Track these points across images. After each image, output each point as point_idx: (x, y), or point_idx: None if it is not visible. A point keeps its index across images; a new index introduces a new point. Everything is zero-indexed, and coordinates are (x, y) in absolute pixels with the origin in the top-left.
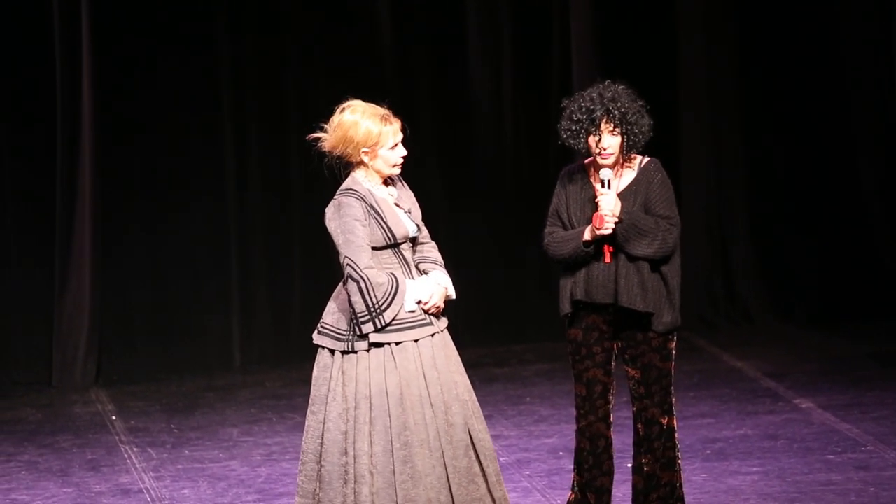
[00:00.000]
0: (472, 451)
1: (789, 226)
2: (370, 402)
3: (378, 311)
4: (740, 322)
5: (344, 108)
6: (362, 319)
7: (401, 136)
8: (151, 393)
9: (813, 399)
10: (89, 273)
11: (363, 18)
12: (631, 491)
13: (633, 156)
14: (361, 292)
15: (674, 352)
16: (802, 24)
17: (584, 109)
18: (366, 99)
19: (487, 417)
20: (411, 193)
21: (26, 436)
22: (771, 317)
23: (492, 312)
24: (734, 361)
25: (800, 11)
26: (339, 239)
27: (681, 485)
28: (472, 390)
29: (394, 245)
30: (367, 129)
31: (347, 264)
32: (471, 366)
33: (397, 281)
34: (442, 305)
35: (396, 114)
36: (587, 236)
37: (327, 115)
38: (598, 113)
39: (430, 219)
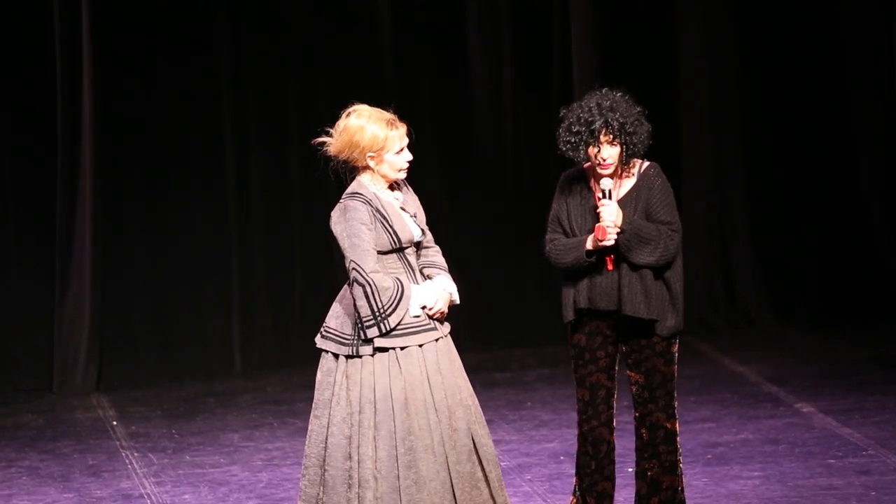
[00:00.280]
0: (475, 457)
1: (790, 228)
2: (374, 406)
3: (383, 315)
4: (741, 325)
5: (350, 113)
6: (367, 324)
7: (406, 140)
8: (152, 398)
9: (814, 403)
10: (90, 277)
11: (363, 19)
12: (634, 496)
13: (632, 161)
14: (367, 296)
15: (676, 355)
16: (803, 25)
17: (582, 121)
18: (366, 100)
19: (488, 422)
20: (416, 198)
21: (27, 441)
22: (771, 319)
23: (493, 317)
24: (735, 366)
25: (800, 11)
26: (344, 243)
27: (682, 489)
28: (474, 395)
29: (399, 249)
30: (373, 134)
31: (353, 268)
32: (472, 370)
33: (402, 286)
34: (446, 311)
35: (401, 118)
36: (589, 246)
37: (328, 116)
38: (597, 125)
39: (431, 221)
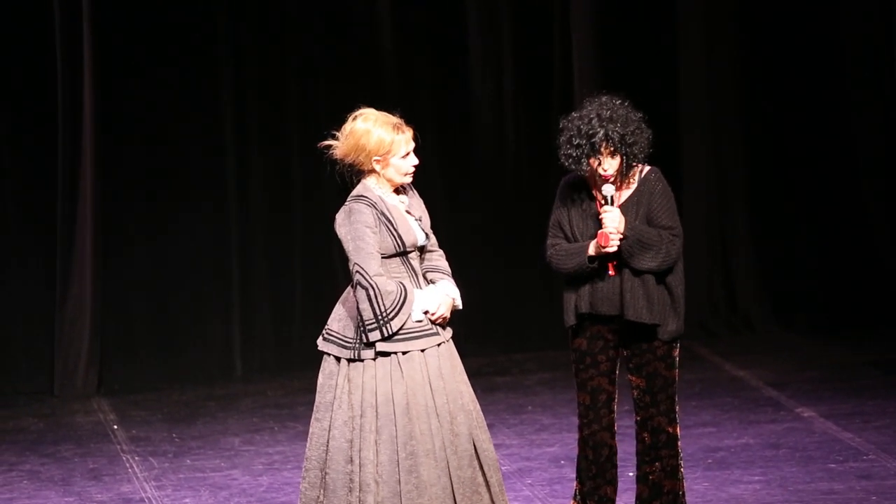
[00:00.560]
0: (476, 462)
1: (790, 233)
2: (376, 410)
3: (386, 319)
4: (741, 330)
5: (356, 116)
6: (370, 327)
7: (413, 144)
8: (153, 402)
9: (815, 408)
10: (90, 281)
11: (364, 22)
12: (634, 500)
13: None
14: (370, 300)
15: (678, 359)
16: (803, 26)
17: (583, 133)
18: (367, 103)
19: (489, 426)
20: (421, 201)
21: (28, 445)
22: (772, 324)
23: (494, 321)
24: (736, 370)
25: (801, 13)
26: (348, 245)
27: (683, 493)
28: (476, 400)
29: (402, 253)
30: (379, 138)
31: (357, 271)
32: (472, 375)
33: (406, 290)
34: (448, 316)
35: (406, 121)
36: (592, 252)
37: (329, 120)
38: (598, 138)
39: (431, 224)
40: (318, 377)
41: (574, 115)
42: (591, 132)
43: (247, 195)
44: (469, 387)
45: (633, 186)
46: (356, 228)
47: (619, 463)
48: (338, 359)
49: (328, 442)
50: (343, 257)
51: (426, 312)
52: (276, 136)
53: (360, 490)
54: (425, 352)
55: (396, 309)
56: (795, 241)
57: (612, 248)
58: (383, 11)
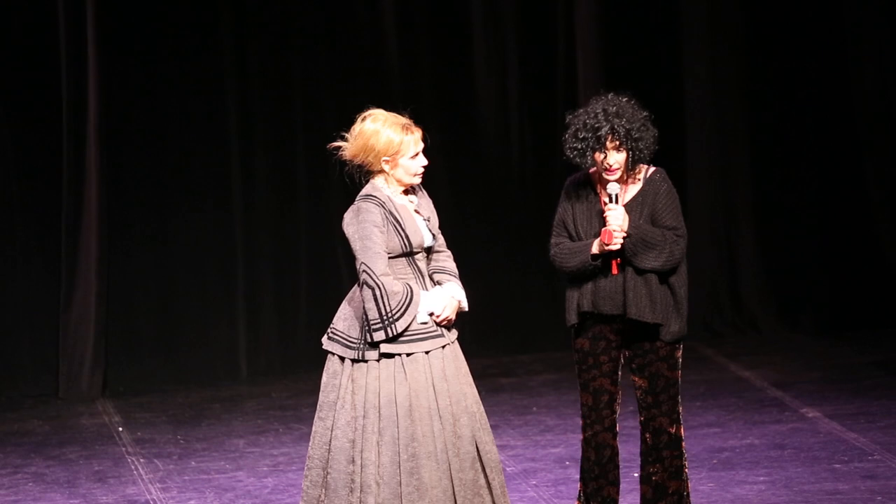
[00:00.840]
0: (478, 464)
1: (795, 233)
2: (379, 412)
3: (391, 319)
4: (747, 330)
5: (365, 117)
6: (374, 327)
7: (422, 145)
8: (158, 404)
9: (820, 408)
10: (95, 284)
11: (368, 23)
12: (639, 500)
13: (638, 166)
14: (376, 299)
15: (680, 360)
16: (809, 28)
17: (588, 127)
18: (371, 103)
19: (494, 427)
20: (430, 202)
21: (33, 447)
22: (777, 325)
23: (498, 322)
24: (741, 371)
25: (806, 14)
26: (356, 245)
27: (688, 494)
28: (480, 402)
29: (409, 254)
30: (388, 138)
31: (363, 270)
32: (477, 375)
33: (412, 291)
34: (454, 318)
35: (416, 123)
36: (595, 250)
37: (334, 123)
38: (603, 131)
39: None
40: (322, 377)
41: (580, 110)
42: (596, 125)
43: (252, 196)
44: (473, 389)
45: (639, 186)
46: (364, 227)
47: (625, 464)
48: (342, 358)
49: (331, 441)
50: (350, 256)
51: (431, 314)
52: (281, 138)
53: (360, 491)
54: (429, 354)
55: (402, 310)
56: (801, 241)
57: (616, 246)
58: (387, 11)
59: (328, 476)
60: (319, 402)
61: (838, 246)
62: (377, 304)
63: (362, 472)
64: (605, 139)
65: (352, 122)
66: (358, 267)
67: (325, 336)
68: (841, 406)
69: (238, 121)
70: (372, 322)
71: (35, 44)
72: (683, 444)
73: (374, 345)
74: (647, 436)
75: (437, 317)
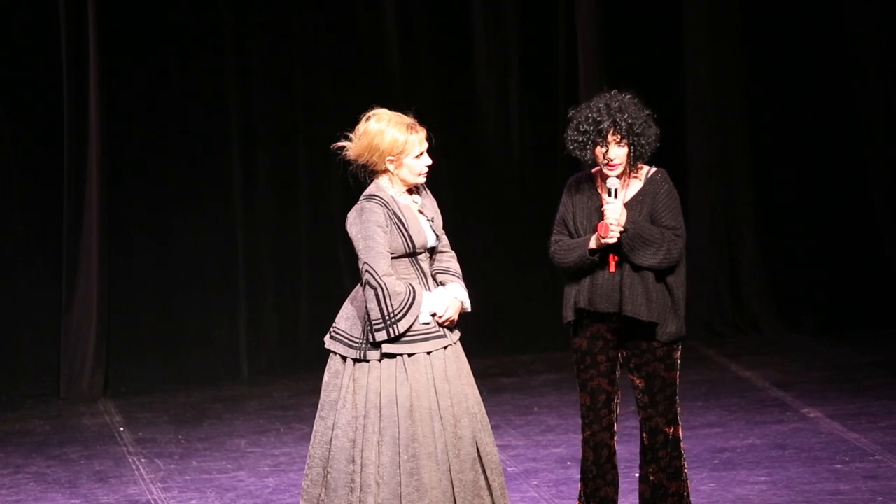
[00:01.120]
0: (478, 465)
1: (796, 234)
2: (380, 412)
3: (393, 320)
4: (748, 331)
5: (370, 117)
6: (377, 327)
7: (426, 144)
8: (159, 404)
9: (821, 408)
10: (96, 284)
11: (369, 23)
12: (638, 500)
13: (640, 166)
14: (378, 300)
15: (679, 361)
16: (809, 28)
17: (590, 120)
18: (372, 104)
19: (495, 427)
20: (434, 202)
21: (34, 447)
22: (778, 325)
23: (500, 322)
24: (742, 371)
25: (807, 14)
26: (359, 244)
27: (688, 494)
28: (481, 403)
29: (412, 254)
30: (392, 138)
31: (366, 270)
32: (478, 376)
33: (414, 291)
34: (456, 319)
35: (420, 122)
36: (593, 245)
37: (335, 124)
38: (605, 124)
39: None
40: (323, 376)
41: (583, 105)
42: (598, 118)
43: (253, 197)
44: (475, 389)
45: (640, 185)
46: (367, 227)
47: (626, 464)
48: (344, 358)
49: (331, 441)
50: (352, 256)
51: (433, 315)
52: (281, 138)
53: (360, 490)
54: (431, 354)
55: (404, 310)
56: (801, 241)
57: (612, 240)
58: (387, 11)
59: (328, 475)
60: (321, 402)
61: (838, 246)
62: (379, 305)
63: (362, 472)
64: (607, 132)
65: (352, 121)
66: (361, 267)
67: (328, 335)
68: (842, 406)
69: (238, 121)
70: (374, 322)
71: (36, 44)
72: (682, 444)
73: (376, 345)
74: (644, 436)
75: (440, 317)
